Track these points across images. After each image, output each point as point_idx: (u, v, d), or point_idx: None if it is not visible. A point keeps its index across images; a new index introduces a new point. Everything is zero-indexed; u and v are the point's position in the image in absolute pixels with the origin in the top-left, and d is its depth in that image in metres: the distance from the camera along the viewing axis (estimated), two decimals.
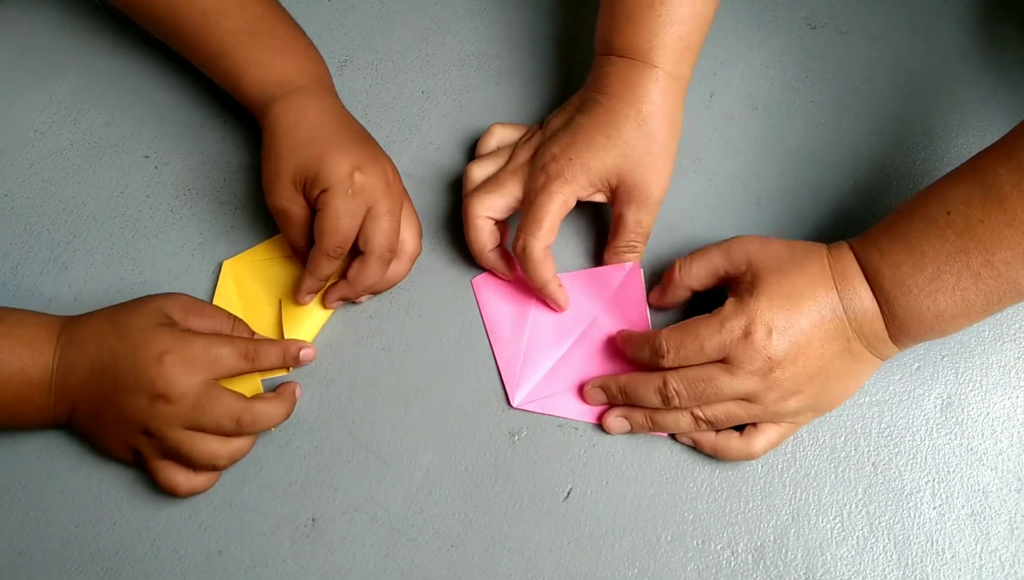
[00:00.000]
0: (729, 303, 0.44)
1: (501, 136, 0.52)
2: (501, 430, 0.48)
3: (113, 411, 0.44)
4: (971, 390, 0.49)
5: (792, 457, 0.48)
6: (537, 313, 0.50)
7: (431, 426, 0.48)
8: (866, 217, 0.52)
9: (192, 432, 0.44)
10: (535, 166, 0.48)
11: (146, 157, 0.54)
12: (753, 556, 0.46)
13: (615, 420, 0.47)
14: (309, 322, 0.50)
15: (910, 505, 0.47)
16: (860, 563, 0.46)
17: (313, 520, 0.47)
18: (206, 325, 0.47)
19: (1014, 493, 0.47)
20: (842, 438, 0.48)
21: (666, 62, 0.47)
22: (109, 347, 0.44)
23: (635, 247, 0.49)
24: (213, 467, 0.45)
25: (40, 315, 0.46)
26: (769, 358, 0.42)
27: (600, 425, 0.48)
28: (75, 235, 0.52)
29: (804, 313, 0.43)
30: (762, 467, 0.48)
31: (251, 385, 0.49)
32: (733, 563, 0.46)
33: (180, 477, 0.45)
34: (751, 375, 0.43)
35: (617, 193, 0.48)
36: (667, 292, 0.49)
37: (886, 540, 0.46)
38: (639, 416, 0.47)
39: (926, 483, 0.47)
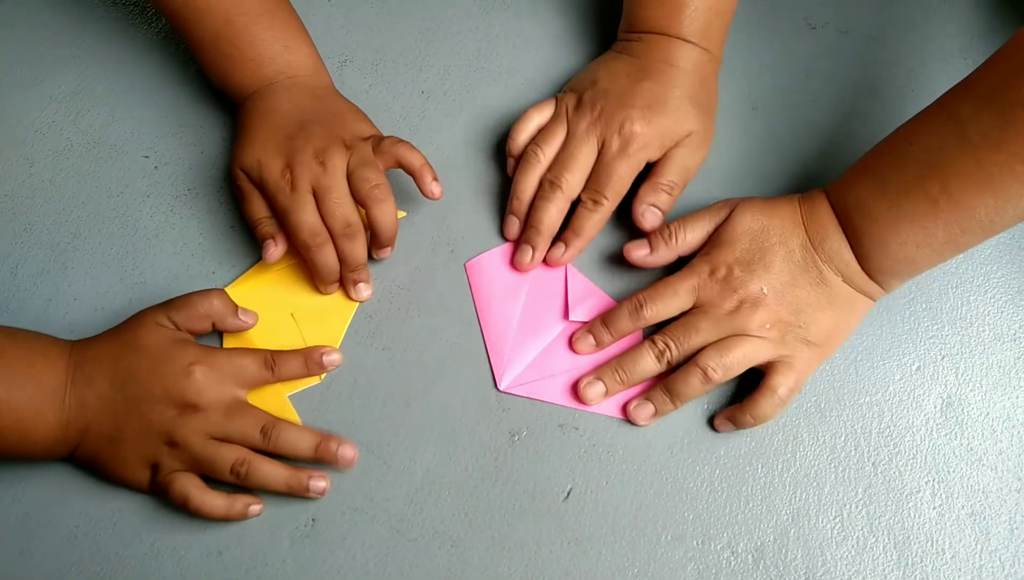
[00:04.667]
0: (700, 253, 0.48)
1: (540, 120, 0.53)
2: (501, 430, 0.48)
3: (137, 424, 0.44)
4: (971, 390, 0.49)
5: (792, 457, 0.48)
6: (529, 299, 0.50)
7: (431, 426, 0.48)
8: None
9: (218, 441, 0.45)
10: (605, 129, 0.49)
11: (146, 157, 0.54)
12: (753, 556, 0.46)
13: (637, 409, 0.47)
14: (331, 326, 0.50)
15: (910, 505, 0.47)
16: (860, 563, 0.46)
17: (313, 520, 0.47)
18: (191, 314, 0.46)
19: (1014, 493, 0.47)
20: (842, 438, 0.48)
21: (710, 44, 0.51)
22: (128, 364, 0.45)
23: (672, 189, 0.50)
24: (237, 477, 0.45)
25: (49, 335, 0.46)
26: (735, 290, 0.45)
27: (583, 411, 0.48)
28: (75, 235, 0.52)
29: (770, 248, 0.46)
30: (762, 467, 0.48)
31: (278, 403, 0.49)
32: (733, 563, 0.46)
33: (194, 489, 0.45)
34: (725, 309, 0.45)
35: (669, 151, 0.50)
36: (657, 253, 0.49)
37: (886, 540, 0.46)
38: (657, 394, 0.47)
39: (926, 483, 0.47)
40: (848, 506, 0.47)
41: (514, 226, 0.51)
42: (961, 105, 0.41)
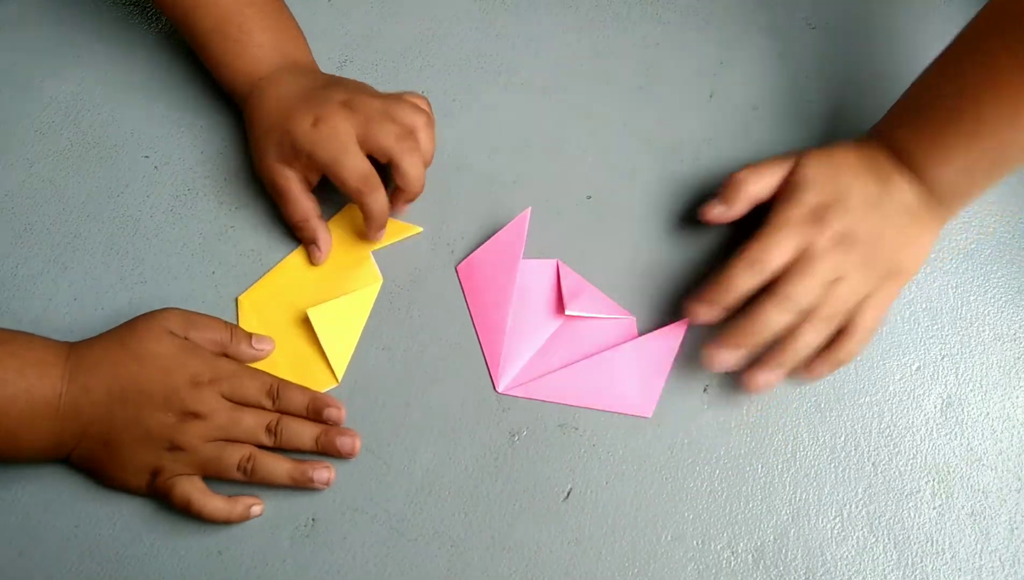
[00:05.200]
0: (779, 206, 0.47)
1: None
2: (501, 430, 0.48)
3: (136, 431, 0.44)
4: (971, 390, 0.49)
5: (792, 457, 0.48)
6: (520, 298, 0.50)
7: (431, 426, 0.48)
8: None
9: (223, 442, 0.45)
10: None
11: (146, 157, 0.54)
12: (753, 556, 0.46)
13: (762, 375, 0.46)
14: (347, 327, 0.50)
15: (910, 505, 0.47)
16: (860, 563, 0.46)
17: (313, 520, 0.47)
18: (205, 337, 0.47)
19: (1014, 493, 0.47)
20: (842, 438, 0.48)
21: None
22: (129, 372, 0.44)
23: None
24: (244, 473, 0.45)
25: (46, 339, 0.46)
26: (830, 226, 0.46)
27: (582, 410, 0.48)
28: (75, 235, 0.52)
29: (847, 187, 0.47)
30: (762, 467, 0.48)
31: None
32: (733, 563, 0.46)
33: (196, 492, 0.45)
34: (825, 247, 0.46)
35: None
36: (733, 206, 0.49)
37: (886, 540, 0.46)
38: (779, 357, 0.46)
39: (926, 483, 0.47)
40: (848, 506, 0.47)
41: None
42: (981, 37, 0.44)
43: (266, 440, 0.46)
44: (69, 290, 0.51)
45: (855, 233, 0.46)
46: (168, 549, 0.46)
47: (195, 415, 0.45)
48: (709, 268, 0.52)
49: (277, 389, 0.47)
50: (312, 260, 0.51)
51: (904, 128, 0.47)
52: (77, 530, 0.46)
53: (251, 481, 0.45)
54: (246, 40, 0.51)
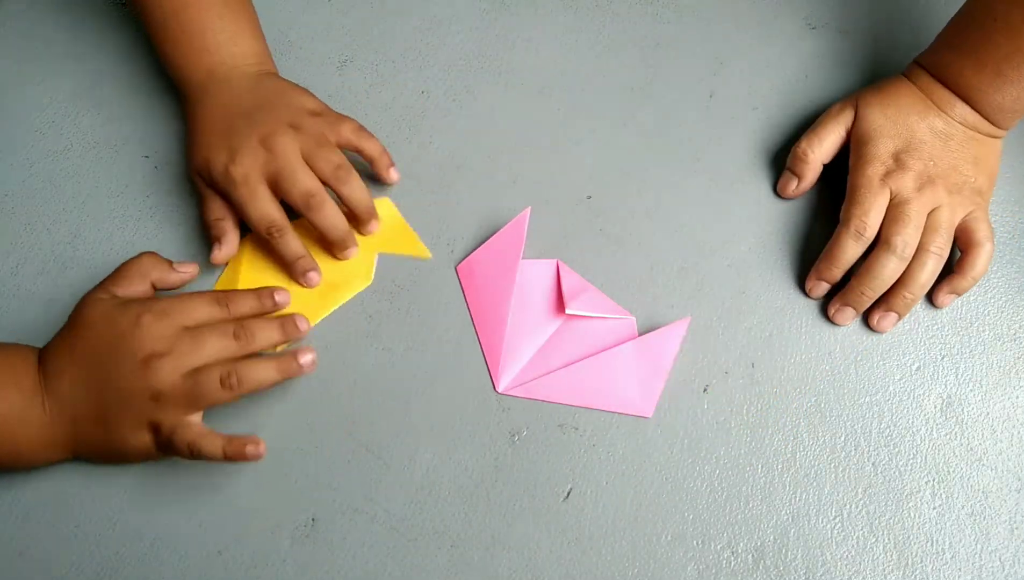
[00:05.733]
0: (857, 165, 0.50)
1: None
2: (501, 430, 0.48)
3: (115, 395, 0.44)
4: (971, 390, 0.49)
5: (792, 457, 0.48)
6: (519, 298, 0.50)
7: (431, 426, 0.48)
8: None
9: (197, 369, 0.44)
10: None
11: (146, 157, 0.54)
12: (753, 556, 0.46)
13: (883, 320, 0.50)
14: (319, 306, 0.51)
15: (910, 505, 0.47)
16: (860, 563, 0.46)
17: (313, 520, 0.47)
18: (132, 288, 0.47)
19: (1014, 493, 0.47)
20: (842, 438, 0.48)
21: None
22: (83, 346, 0.44)
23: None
24: (231, 389, 0.44)
25: (11, 345, 0.46)
26: (910, 169, 0.49)
27: (583, 410, 0.48)
28: (75, 235, 0.52)
29: (915, 126, 0.50)
30: (762, 467, 0.48)
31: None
32: (733, 563, 0.46)
33: (194, 431, 0.44)
34: (913, 190, 0.48)
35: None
36: (803, 176, 0.52)
37: (886, 540, 0.46)
38: (899, 300, 0.49)
39: (926, 483, 0.47)
40: (848, 506, 0.47)
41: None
42: None
43: (235, 349, 0.45)
44: (69, 290, 0.51)
45: (934, 170, 0.49)
46: (168, 549, 0.46)
47: (156, 355, 0.43)
48: (708, 269, 0.52)
49: (223, 297, 0.47)
50: (211, 256, 0.49)
51: (947, 58, 0.50)
52: (77, 530, 0.46)
53: (243, 393, 0.44)
54: (199, 35, 0.51)
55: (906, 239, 0.48)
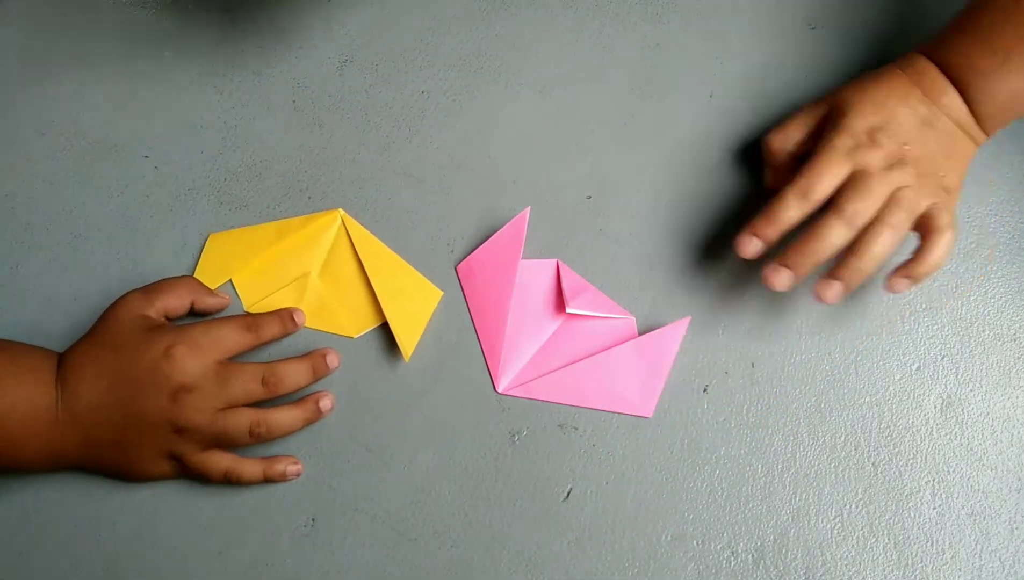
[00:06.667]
0: (826, 134, 0.47)
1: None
2: (501, 430, 0.48)
3: (136, 423, 0.44)
4: (971, 390, 0.49)
5: (792, 457, 0.48)
6: (519, 297, 0.50)
7: (431, 426, 0.48)
8: None
9: (225, 411, 0.44)
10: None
11: (146, 157, 0.54)
12: (753, 556, 0.46)
13: (826, 290, 0.45)
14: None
15: (910, 505, 0.47)
16: (860, 563, 0.46)
17: (313, 520, 0.47)
18: (169, 305, 0.47)
19: (1014, 493, 0.47)
20: (842, 438, 0.48)
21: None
22: (109, 365, 0.44)
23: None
24: (258, 438, 0.45)
25: (37, 347, 0.46)
26: (881, 147, 0.46)
27: (583, 410, 0.48)
28: (75, 235, 0.52)
29: (895, 109, 0.47)
30: (762, 467, 0.48)
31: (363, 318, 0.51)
32: (733, 563, 0.46)
33: (227, 459, 0.45)
34: (881, 167, 0.46)
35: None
36: (775, 170, 0.51)
37: (886, 540, 0.46)
38: (847, 269, 0.45)
39: (926, 483, 0.47)
40: (848, 506, 0.47)
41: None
42: None
43: (262, 394, 0.45)
44: (69, 290, 0.51)
45: (907, 153, 0.46)
46: (168, 549, 0.46)
47: (185, 390, 0.43)
48: (708, 269, 0.52)
49: (252, 322, 0.47)
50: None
51: (957, 41, 0.47)
52: (77, 530, 0.46)
53: (266, 441, 0.46)
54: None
55: (858, 208, 0.45)
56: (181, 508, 0.47)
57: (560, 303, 0.50)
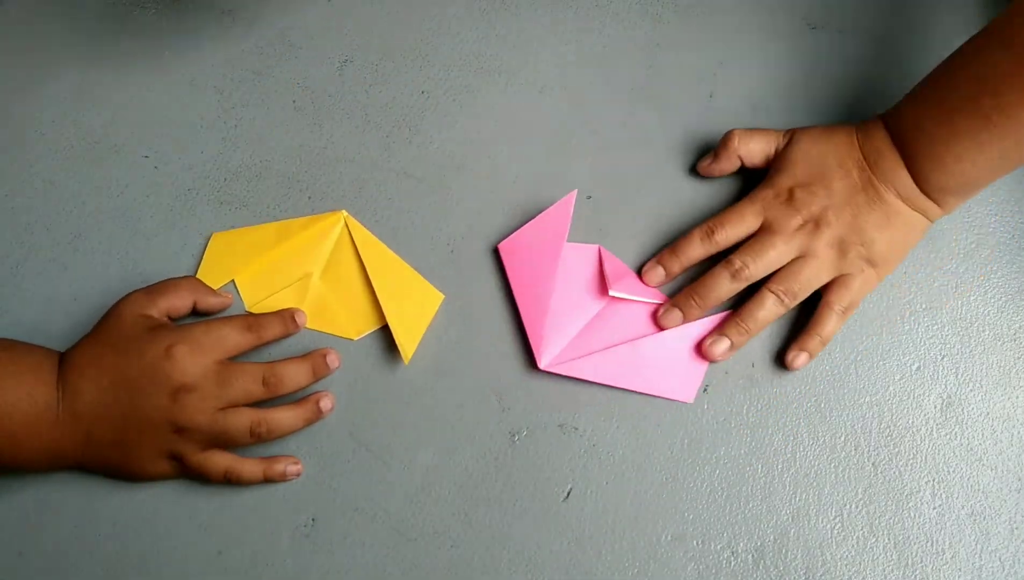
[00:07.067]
0: (761, 185, 0.49)
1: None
2: (501, 430, 0.48)
3: (137, 423, 0.44)
4: (971, 390, 0.49)
5: (792, 457, 0.48)
6: (562, 277, 0.50)
7: (431, 426, 0.48)
8: None
9: (225, 411, 0.44)
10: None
11: (146, 157, 0.54)
12: (753, 556, 0.46)
13: (713, 345, 0.48)
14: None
15: (910, 505, 0.47)
16: (860, 563, 0.46)
17: (313, 520, 0.47)
18: (172, 305, 0.47)
19: (1014, 493, 0.47)
20: (842, 438, 0.48)
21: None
22: (111, 364, 0.44)
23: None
24: (259, 438, 0.45)
25: (39, 346, 0.46)
26: (799, 210, 0.47)
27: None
28: (75, 235, 0.52)
29: (829, 170, 0.48)
30: (762, 467, 0.48)
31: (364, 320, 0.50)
32: (733, 563, 0.46)
33: (227, 459, 0.45)
34: (792, 227, 0.47)
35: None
36: (720, 159, 0.51)
37: (886, 540, 0.46)
38: (731, 328, 0.48)
39: (926, 483, 0.47)
40: (848, 506, 0.47)
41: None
42: (1014, 21, 0.42)
43: (262, 394, 0.45)
44: (69, 290, 0.51)
45: (826, 218, 0.47)
46: (168, 549, 0.46)
47: (185, 389, 0.43)
48: (708, 268, 0.52)
49: (253, 322, 0.47)
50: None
51: (913, 109, 0.46)
52: (77, 530, 0.46)
53: (267, 441, 0.46)
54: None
55: (747, 262, 0.47)
56: (181, 508, 0.47)
57: (602, 286, 0.51)
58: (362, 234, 0.52)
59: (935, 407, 0.49)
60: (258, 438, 0.45)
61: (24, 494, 0.47)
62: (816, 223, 0.47)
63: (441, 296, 0.51)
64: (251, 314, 0.49)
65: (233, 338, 0.46)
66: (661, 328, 0.49)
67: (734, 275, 0.47)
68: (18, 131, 0.55)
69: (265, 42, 0.57)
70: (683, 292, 0.49)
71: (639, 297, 0.50)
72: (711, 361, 0.49)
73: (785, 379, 0.49)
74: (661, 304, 0.50)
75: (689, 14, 0.58)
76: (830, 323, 0.48)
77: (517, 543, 0.46)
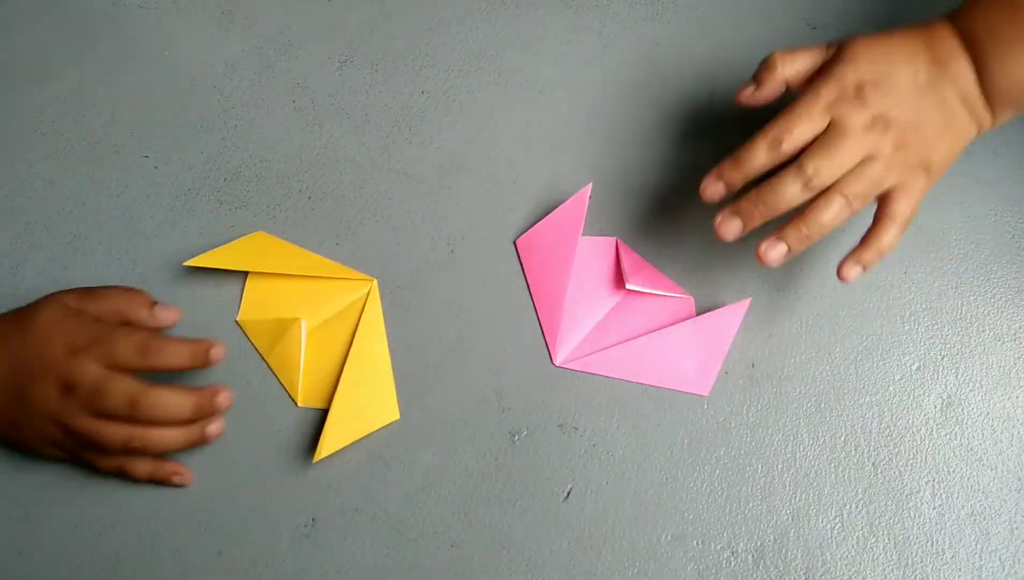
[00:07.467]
0: (816, 79, 0.44)
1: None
2: (501, 430, 0.48)
3: (27, 405, 0.43)
4: (971, 390, 0.49)
5: (792, 457, 0.48)
6: (577, 273, 0.50)
7: (431, 426, 0.48)
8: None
9: (98, 419, 0.43)
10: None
11: (146, 157, 0.54)
12: (753, 556, 0.46)
13: (770, 249, 0.44)
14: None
15: (910, 505, 0.47)
16: (860, 563, 0.46)
17: (313, 520, 0.47)
18: (102, 308, 0.46)
19: (1014, 493, 0.47)
20: (842, 438, 0.48)
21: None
22: (15, 343, 0.44)
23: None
24: (125, 450, 0.44)
25: None
26: (868, 106, 0.43)
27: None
28: (75, 235, 0.52)
29: (896, 68, 0.44)
30: (762, 467, 0.48)
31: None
32: (733, 563, 0.46)
33: (103, 460, 0.45)
34: (860, 126, 0.43)
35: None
36: (764, 86, 0.46)
37: (886, 540, 0.46)
38: (791, 233, 0.43)
39: (926, 483, 0.47)
40: (848, 506, 0.47)
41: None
42: None
43: (127, 413, 0.43)
44: None
45: (894, 118, 0.43)
46: (168, 549, 0.46)
47: (69, 387, 0.43)
48: (706, 269, 0.52)
49: (151, 345, 0.44)
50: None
51: (985, 12, 0.43)
52: (77, 530, 0.46)
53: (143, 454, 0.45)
54: None
55: (820, 168, 0.42)
56: (181, 508, 0.47)
57: (618, 280, 0.51)
58: (373, 311, 0.50)
59: (935, 407, 0.49)
60: (127, 452, 0.44)
61: (24, 494, 0.47)
62: (885, 123, 0.43)
63: (396, 415, 0.48)
64: (162, 337, 0.45)
65: (123, 353, 0.43)
66: (721, 237, 0.45)
67: (806, 184, 0.43)
68: (18, 131, 0.55)
69: (265, 42, 0.57)
70: (745, 198, 0.44)
71: (656, 290, 0.50)
72: (766, 265, 0.44)
73: (785, 379, 0.49)
74: (678, 296, 0.50)
75: (689, 14, 0.58)
76: (890, 233, 0.44)
77: (517, 543, 0.46)
